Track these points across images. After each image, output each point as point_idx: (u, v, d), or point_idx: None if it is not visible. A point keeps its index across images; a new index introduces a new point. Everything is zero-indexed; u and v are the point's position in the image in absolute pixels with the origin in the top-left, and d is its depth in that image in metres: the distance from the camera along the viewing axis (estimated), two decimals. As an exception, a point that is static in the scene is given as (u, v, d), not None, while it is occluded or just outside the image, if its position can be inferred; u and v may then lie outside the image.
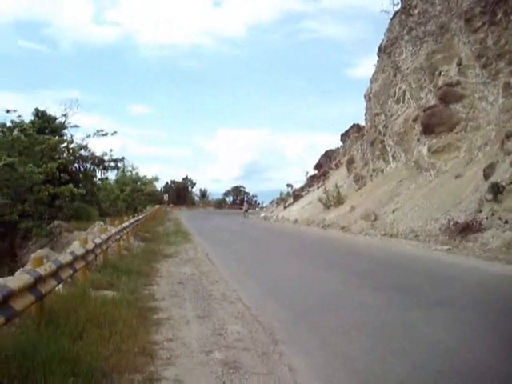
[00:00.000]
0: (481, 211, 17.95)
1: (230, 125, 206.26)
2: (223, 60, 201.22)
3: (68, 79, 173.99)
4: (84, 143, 37.09)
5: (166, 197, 78.65)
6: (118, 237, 13.66)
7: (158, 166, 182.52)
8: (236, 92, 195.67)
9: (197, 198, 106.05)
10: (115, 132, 41.41)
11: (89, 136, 38.33)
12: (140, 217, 25.71)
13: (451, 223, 17.92)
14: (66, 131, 38.53)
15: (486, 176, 19.77)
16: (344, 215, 30.02)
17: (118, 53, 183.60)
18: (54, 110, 38.93)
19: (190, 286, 9.61)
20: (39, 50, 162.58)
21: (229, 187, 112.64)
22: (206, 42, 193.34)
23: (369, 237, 22.47)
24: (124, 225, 15.70)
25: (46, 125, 35.35)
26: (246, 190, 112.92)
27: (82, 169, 38.66)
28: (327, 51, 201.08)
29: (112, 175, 51.84)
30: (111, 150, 42.72)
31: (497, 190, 17.81)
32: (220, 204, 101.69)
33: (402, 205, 24.95)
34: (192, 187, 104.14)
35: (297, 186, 56.99)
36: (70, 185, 25.65)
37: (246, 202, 73.96)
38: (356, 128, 46.49)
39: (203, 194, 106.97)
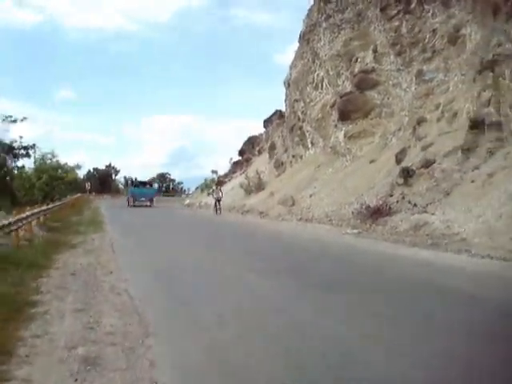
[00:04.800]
0: (392, 195, 18.32)
1: (157, 111, 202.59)
2: (151, 45, 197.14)
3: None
4: None
5: (88, 185, 75.97)
6: (14, 227, 12.76)
7: (84, 154, 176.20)
8: (164, 78, 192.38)
9: (121, 186, 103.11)
10: (25, 118, 39.62)
11: None
12: (50, 206, 24.29)
13: (363, 207, 18.18)
14: None
15: (398, 161, 20.23)
16: (264, 201, 30.06)
17: (42, 37, 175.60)
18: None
19: (81, 278, 9.03)
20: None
21: (156, 174, 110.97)
22: (134, 27, 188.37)
23: (285, 222, 22.52)
24: (24, 215, 14.77)
25: None
26: (172, 177, 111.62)
27: None
28: (257, 38, 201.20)
29: (30, 163, 49.58)
30: (21, 137, 40.86)
31: (407, 175, 18.22)
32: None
33: (318, 190, 25.21)
34: (116, 175, 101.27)
35: (222, 172, 56.80)
36: None
37: (217, 184, 42.76)
38: (279, 114, 46.44)
39: (134, 180, 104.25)
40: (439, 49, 21.77)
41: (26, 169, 52.48)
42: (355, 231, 16.22)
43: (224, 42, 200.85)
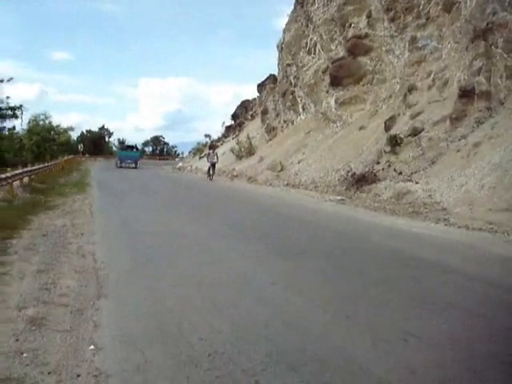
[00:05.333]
0: (379, 163, 18.21)
1: (153, 73, 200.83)
2: (147, 5, 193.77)
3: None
4: None
5: (80, 147, 75.47)
6: None
7: (79, 115, 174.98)
8: (159, 40, 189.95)
9: (115, 148, 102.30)
10: (11, 78, 38.95)
11: None
12: (35, 167, 23.73)
13: (349, 174, 18.08)
14: None
15: (387, 128, 20.03)
16: (253, 166, 29.86)
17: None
18: None
19: (51, 239, 8.86)
20: None
21: (149, 137, 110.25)
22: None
23: (271, 187, 22.37)
24: (3, 175, 14.48)
25: None
26: (166, 140, 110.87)
27: None
28: (257, 1, 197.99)
29: (23, 124, 48.97)
30: (8, 98, 40.21)
31: (395, 142, 18.08)
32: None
33: (307, 156, 25.03)
34: (109, 137, 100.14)
35: (216, 136, 56.24)
36: None
37: (210, 148, 40.69)
38: (272, 79, 45.69)
39: (123, 143, 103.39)
40: (434, 16, 21.35)
41: (18, 130, 52.00)
42: (338, 198, 16.12)
43: (223, 3, 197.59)
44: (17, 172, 17.17)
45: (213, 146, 48.55)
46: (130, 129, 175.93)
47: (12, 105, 40.35)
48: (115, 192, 19.81)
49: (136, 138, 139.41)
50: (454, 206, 12.08)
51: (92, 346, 4.19)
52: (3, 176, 14.50)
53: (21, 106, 41.72)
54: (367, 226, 11.42)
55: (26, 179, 19.33)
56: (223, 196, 19.93)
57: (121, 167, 45.39)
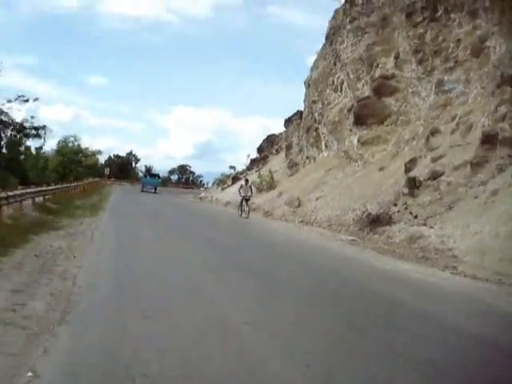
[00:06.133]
0: (396, 204, 17.76)
1: (186, 103, 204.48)
2: (185, 38, 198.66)
3: (25, 45, 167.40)
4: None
5: (107, 171, 76.85)
6: None
7: (109, 139, 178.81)
8: (195, 70, 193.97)
9: (141, 174, 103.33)
10: (37, 98, 40.17)
11: (10, 101, 36.92)
12: (51, 187, 23.53)
13: (364, 214, 17.66)
14: None
15: (407, 170, 19.62)
16: (271, 200, 29.61)
17: (78, 22, 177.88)
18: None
19: (41, 260, 8.78)
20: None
21: (176, 166, 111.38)
22: (169, 19, 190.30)
23: (285, 223, 22.10)
24: (11, 193, 14.42)
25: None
26: (192, 170, 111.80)
27: (1, 135, 37.13)
28: (290, 37, 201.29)
29: (45, 145, 49.82)
30: (32, 117, 41.14)
31: (413, 185, 17.65)
32: (164, 182, 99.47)
33: (326, 193, 24.70)
34: (136, 163, 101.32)
35: (242, 168, 56.29)
36: None
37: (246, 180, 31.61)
38: (299, 114, 45.82)
39: (148, 171, 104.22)
40: (462, 59, 21.10)
41: (46, 150, 52.93)
42: (349, 238, 15.73)
43: (257, 39, 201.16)
44: (27, 191, 17.16)
45: (236, 178, 48.72)
46: (160, 156, 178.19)
47: (36, 125, 41.19)
48: (125, 218, 19.78)
49: (163, 166, 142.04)
50: (465, 254, 11.58)
51: (30, 373, 3.93)
52: (11, 194, 14.43)
53: (44, 126, 42.58)
54: (366, 269, 11.11)
55: (40, 199, 19.30)
56: (233, 230, 19.71)
57: (143, 191, 51.89)
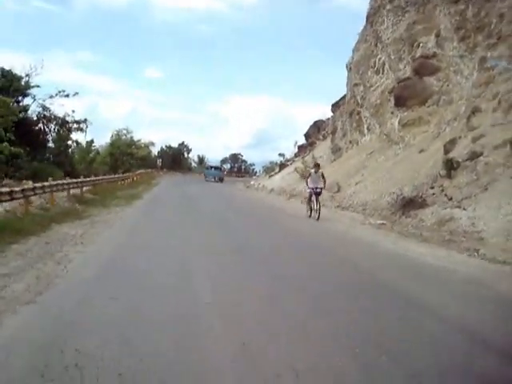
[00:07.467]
0: (433, 187, 17.21)
1: (241, 92, 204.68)
2: (238, 26, 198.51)
3: (81, 41, 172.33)
4: (48, 103, 36.82)
5: (159, 162, 78.18)
6: (20, 195, 12.60)
7: (165, 131, 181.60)
8: (248, 59, 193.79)
9: (194, 164, 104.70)
10: (77, 93, 41.38)
11: (52, 96, 38.16)
12: (88, 179, 23.52)
13: (399, 198, 17.18)
14: (31, 91, 38.30)
15: (446, 151, 18.95)
16: (312, 186, 29.21)
17: (132, 16, 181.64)
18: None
19: (48, 247, 8.96)
20: (53, 10, 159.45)
21: (228, 155, 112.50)
22: (221, 7, 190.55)
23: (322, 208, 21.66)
24: (39, 184, 14.69)
25: (9, 84, 34.93)
26: (244, 158, 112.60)
27: (46, 129, 38.47)
28: (343, 21, 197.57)
29: (106, 138, 51.36)
30: (73, 111, 42.30)
31: (451, 166, 17.04)
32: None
33: (365, 178, 24.24)
34: (188, 153, 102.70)
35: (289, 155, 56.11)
36: (5, 144, 25.18)
37: (315, 165, 20.34)
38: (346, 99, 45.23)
39: (201, 161, 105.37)
40: (505, 35, 20.15)
41: (96, 143, 54.48)
42: (379, 222, 15.35)
43: (312, 25, 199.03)
44: (61, 182, 17.47)
45: (283, 165, 48.41)
46: (217, 146, 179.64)
47: (77, 118, 42.35)
48: (161, 206, 19.78)
49: (218, 156, 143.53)
50: (492, 236, 11.08)
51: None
52: (39, 185, 14.74)
53: (85, 119, 43.64)
54: (373, 251, 10.88)
55: (77, 190, 19.70)
56: (263, 215, 19.73)
57: (207, 181, 58.57)
